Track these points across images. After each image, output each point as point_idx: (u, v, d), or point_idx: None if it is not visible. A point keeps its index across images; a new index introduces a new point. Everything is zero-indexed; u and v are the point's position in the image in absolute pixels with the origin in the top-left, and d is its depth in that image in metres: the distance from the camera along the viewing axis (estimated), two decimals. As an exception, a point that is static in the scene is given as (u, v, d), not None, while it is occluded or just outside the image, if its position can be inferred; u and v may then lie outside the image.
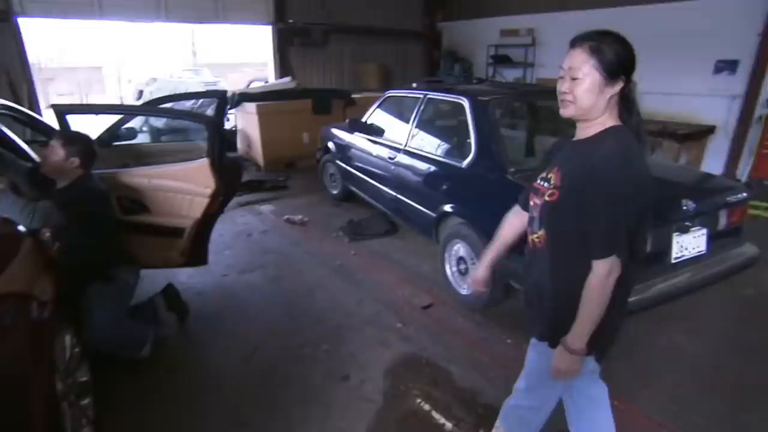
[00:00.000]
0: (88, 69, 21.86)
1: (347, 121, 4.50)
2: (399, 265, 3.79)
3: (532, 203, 1.46)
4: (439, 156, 3.40)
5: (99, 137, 3.45)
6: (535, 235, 1.44)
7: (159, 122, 6.96)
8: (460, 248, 3.13)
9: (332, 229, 4.53)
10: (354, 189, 4.80)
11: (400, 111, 4.16)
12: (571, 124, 1.39)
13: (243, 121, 6.89)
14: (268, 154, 6.51)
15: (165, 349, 2.68)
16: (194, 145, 3.68)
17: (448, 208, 3.15)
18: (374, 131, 4.17)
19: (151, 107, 3.60)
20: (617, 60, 1.24)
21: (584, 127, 1.33)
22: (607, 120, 1.30)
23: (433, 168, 3.38)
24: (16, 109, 2.69)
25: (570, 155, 1.36)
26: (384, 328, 2.92)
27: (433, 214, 3.30)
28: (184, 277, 3.45)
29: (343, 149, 4.82)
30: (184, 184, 2.73)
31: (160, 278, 3.10)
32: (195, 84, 13.18)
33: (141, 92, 11.37)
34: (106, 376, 2.29)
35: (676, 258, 2.50)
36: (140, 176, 2.74)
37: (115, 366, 2.45)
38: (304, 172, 6.48)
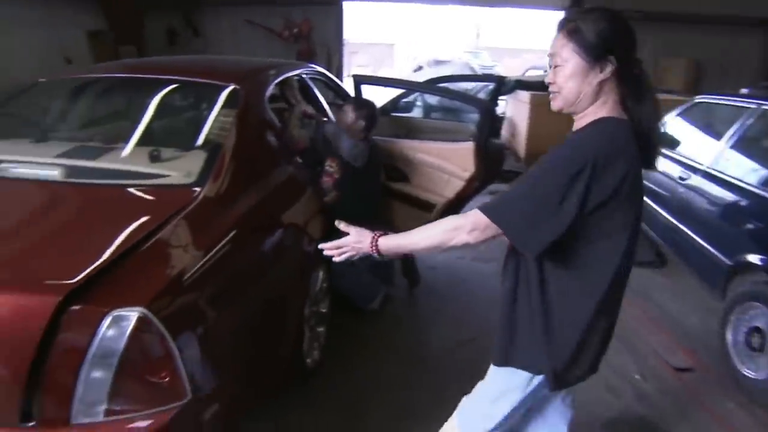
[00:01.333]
0: (384, 45, 25.14)
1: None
2: (657, 307, 3.13)
3: None
4: (759, 188, 2.58)
5: (383, 106, 3.84)
6: None
7: (432, 99, 7.45)
8: (756, 315, 2.35)
9: (581, 241, 4.05)
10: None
11: (710, 122, 3.34)
12: None
13: (513, 108, 6.74)
14: (530, 147, 6.23)
15: (390, 310, 2.88)
16: (462, 125, 3.75)
17: (753, 258, 2.38)
18: (667, 142, 3.46)
19: (431, 86, 3.80)
20: (599, 39, 1.05)
21: (577, 119, 1.14)
22: (599, 110, 1.10)
23: (745, 202, 2.59)
24: (327, 75, 3.21)
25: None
26: (618, 373, 2.46)
27: (727, 261, 2.55)
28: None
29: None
30: (445, 163, 2.79)
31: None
32: (474, 66, 13.66)
33: (420, 67, 12.50)
34: (338, 315, 2.58)
35: None
36: (409, 148, 2.91)
37: (347, 309, 2.72)
38: (562, 172, 6.01)
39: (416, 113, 6.17)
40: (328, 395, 2.18)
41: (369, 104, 2.71)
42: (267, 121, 2.05)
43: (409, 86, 4.35)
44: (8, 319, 1.09)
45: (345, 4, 8.72)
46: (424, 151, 2.87)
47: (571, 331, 1.12)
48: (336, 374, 2.31)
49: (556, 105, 1.14)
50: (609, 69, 1.06)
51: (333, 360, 2.38)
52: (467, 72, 11.20)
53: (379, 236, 1.17)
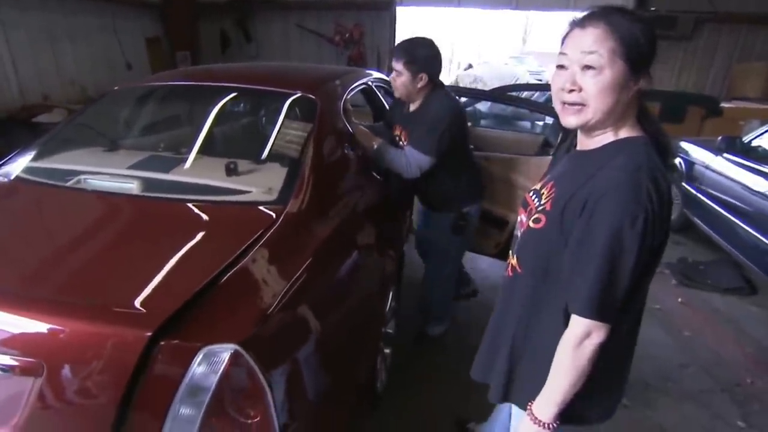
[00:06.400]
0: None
1: (720, 138, 3.55)
2: (753, 342, 2.83)
3: (519, 218, 1.15)
4: None
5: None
6: (513, 259, 1.13)
7: (482, 107, 7.26)
8: None
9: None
10: (698, 221, 3.84)
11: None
12: None
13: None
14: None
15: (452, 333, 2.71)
16: (525, 136, 3.55)
17: None
18: (762, 157, 3.16)
19: (508, 96, 3.65)
20: (645, 45, 0.88)
21: (590, 135, 0.99)
22: (621, 128, 0.96)
23: None
24: (389, 82, 3.08)
25: (568, 169, 1.04)
26: (714, 415, 2.22)
27: None
28: (485, 264, 3.42)
29: (697, 170, 3.88)
30: (520, 178, 2.61)
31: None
32: (521, 72, 13.34)
33: (470, 65, 12.39)
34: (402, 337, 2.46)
35: None
36: (479, 159, 2.74)
37: (408, 334, 2.59)
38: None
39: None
40: (398, 423, 2.06)
41: (418, 50, 2.16)
42: (344, 132, 1.95)
43: (485, 97, 4.17)
44: (95, 354, 1.02)
45: (398, 9, 8.62)
46: (498, 164, 2.70)
47: (606, 367, 1.04)
48: (402, 399, 2.19)
49: (580, 119, 0.93)
50: (643, 82, 0.92)
51: (398, 383, 2.27)
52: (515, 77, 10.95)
53: (534, 415, 1.02)
